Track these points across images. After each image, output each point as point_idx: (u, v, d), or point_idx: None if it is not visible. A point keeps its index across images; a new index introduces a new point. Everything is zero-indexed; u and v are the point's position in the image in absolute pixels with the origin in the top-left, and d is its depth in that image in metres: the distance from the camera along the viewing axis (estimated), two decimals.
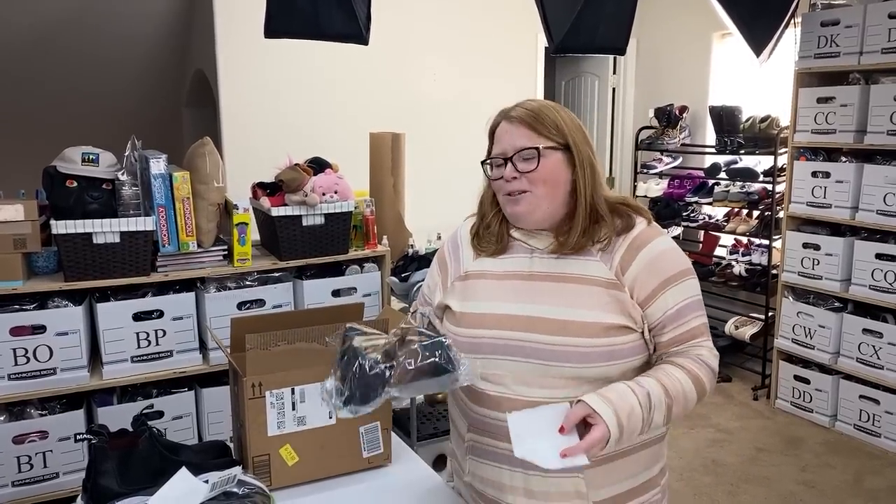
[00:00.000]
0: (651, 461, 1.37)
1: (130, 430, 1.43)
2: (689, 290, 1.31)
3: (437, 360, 1.19)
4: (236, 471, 1.28)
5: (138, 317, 2.35)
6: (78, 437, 1.41)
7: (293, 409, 1.47)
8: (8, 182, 2.53)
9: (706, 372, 1.30)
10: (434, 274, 1.51)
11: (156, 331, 2.38)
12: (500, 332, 1.30)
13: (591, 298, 1.28)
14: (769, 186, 4.13)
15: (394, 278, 2.70)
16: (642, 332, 1.29)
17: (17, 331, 2.21)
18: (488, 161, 1.37)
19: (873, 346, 3.39)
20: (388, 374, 1.17)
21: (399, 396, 1.19)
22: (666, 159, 5.00)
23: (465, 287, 1.40)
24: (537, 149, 1.29)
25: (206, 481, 1.24)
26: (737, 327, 4.33)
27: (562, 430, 1.16)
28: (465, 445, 1.39)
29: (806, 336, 3.69)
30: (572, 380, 1.25)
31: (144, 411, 1.50)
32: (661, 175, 4.99)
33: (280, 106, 4.33)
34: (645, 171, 5.03)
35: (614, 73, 5.54)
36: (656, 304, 1.28)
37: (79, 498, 1.40)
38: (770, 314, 4.11)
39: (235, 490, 1.28)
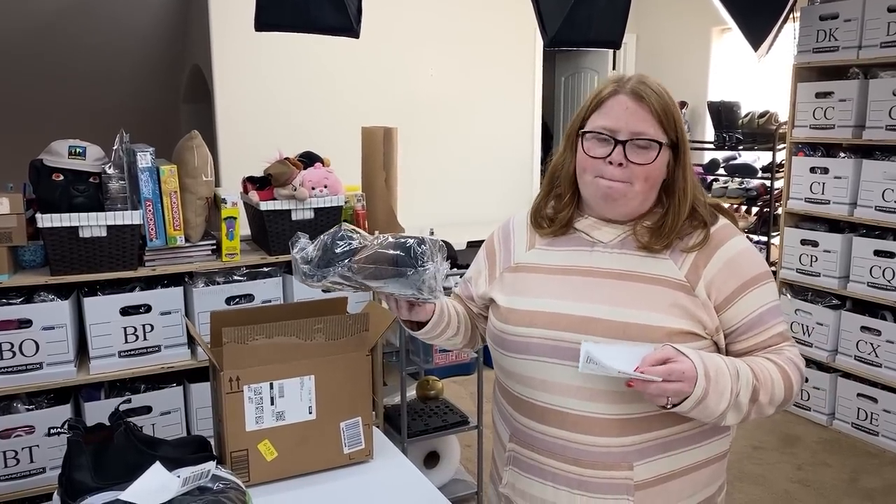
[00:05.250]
0: (710, 479, 1.25)
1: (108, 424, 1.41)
2: (769, 294, 1.19)
3: (399, 253, 1.17)
4: (210, 465, 1.26)
5: (126, 311, 2.33)
6: (51, 430, 1.40)
7: (272, 403, 1.45)
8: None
9: (794, 370, 1.17)
10: (480, 261, 1.38)
11: (143, 325, 2.36)
12: (552, 332, 1.18)
13: (656, 300, 1.15)
14: (768, 182, 4.10)
15: None
16: (713, 340, 1.17)
17: (2, 325, 2.19)
18: (589, 132, 1.19)
19: (871, 344, 3.36)
20: (353, 248, 1.20)
21: (352, 277, 1.19)
22: None
23: (515, 280, 1.27)
24: (661, 144, 1.16)
25: (179, 476, 1.22)
26: None
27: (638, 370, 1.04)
28: (506, 455, 1.29)
29: (804, 333, 3.66)
30: (629, 393, 1.11)
31: (121, 407, 1.48)
32: None
33: (276, 101, 4.32)
34: None
35: (614, 68, 5.51)
36: (735, 308, 1.16)
37: (55, 493, 1.39)
38: None
39: (210, 485, 1.26)
